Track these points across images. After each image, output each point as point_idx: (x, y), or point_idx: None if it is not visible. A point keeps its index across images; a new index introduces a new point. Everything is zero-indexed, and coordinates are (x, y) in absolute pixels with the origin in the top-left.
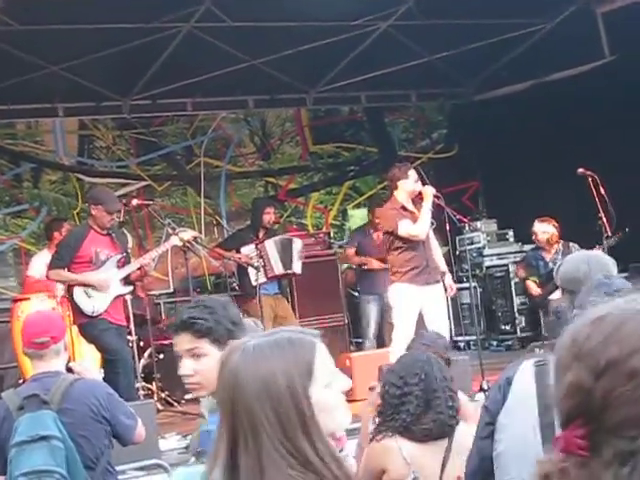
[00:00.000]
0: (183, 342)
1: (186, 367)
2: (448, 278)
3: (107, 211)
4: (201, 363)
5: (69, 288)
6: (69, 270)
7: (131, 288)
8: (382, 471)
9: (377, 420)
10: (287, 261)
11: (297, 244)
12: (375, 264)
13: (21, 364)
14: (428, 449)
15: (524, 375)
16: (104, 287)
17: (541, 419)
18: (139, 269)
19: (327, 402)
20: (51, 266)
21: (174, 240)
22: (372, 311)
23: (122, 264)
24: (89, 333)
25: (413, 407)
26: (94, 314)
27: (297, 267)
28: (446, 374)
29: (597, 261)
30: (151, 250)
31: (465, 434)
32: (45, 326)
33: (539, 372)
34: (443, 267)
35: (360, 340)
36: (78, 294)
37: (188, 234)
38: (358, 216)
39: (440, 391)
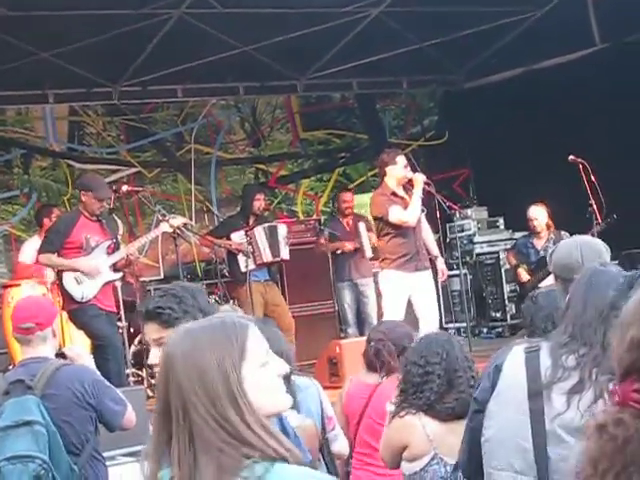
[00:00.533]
0: (151, 331)
1: (154, 356)
2: (440, 262)
3: (97, 198)
4: None
5: (59, 274)
6: (59, 256)
7: (121, 274)
8: (404, 446)
9: (397, 399)
10: (275, 248)
11: (282, 230)
12: (347, 245)
13: (11, 350)
14: (450, 427)
15: (514, 361)
16: (94, 273)
17: (531, 405)
18: (125, 257)
19: (263, 382)
20: (41, 251)
21: (164, 227)
22: (347, 297)
23: (112, 250)
24: (79, 319)
25: (436, 386)
26: (84, 300)
27: (285, 253)
28: (467, 354)
29: (590, 247)
30: (141, 236)
31: None
32: (32, 312)
33: (530, 358)
34: (435, 251)
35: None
36: (68, 280)
37: (178, 220)
38: None
39: (461, 371)
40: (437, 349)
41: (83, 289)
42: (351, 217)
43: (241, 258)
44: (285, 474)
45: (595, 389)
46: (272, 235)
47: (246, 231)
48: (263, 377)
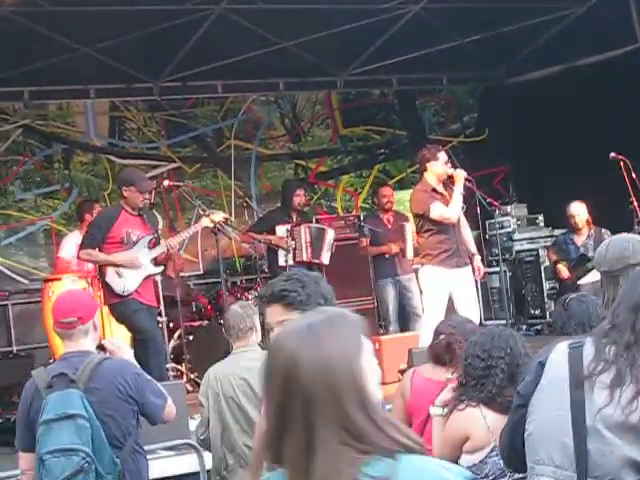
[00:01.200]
0: (274, 313)
1: None
2: (477, 260)
3: (139, 191)
4: None
5: (101, 268)
6: (100, 250)
7: (161, 269)
8: (466, 438)
9: (457, 391)
10: (317, 250)
11: (330, 235)
12: (394, 248)
13: (52, 344)
14: None
15: (557, 357)
16: (135, 264)
17: (572, 398)
18: (167, 251)
19: (373, 371)
20: (82, 246)
21: (204, 222)
22: (390, 293)
23: (153, 245)
24: (120, 313)
25: (499, 379)
26: (125, 294)
27: (325, 258)
28: (528, 350)
29: (637, 241)
30: (182, 231)
31: None
32: (73, 306)
33: (572, 353)
34: (473, 249)
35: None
36: (110, 274)
37: (219, 216)
38: None
39: (523, 366)
40: (501, 344)
41: (124, 283)
42: (391, 213)
43: (281, 254)
44: (418, 465)
45: (635, 383)
46: (317, 237)
47: (292, 226)
48: (373, 366)
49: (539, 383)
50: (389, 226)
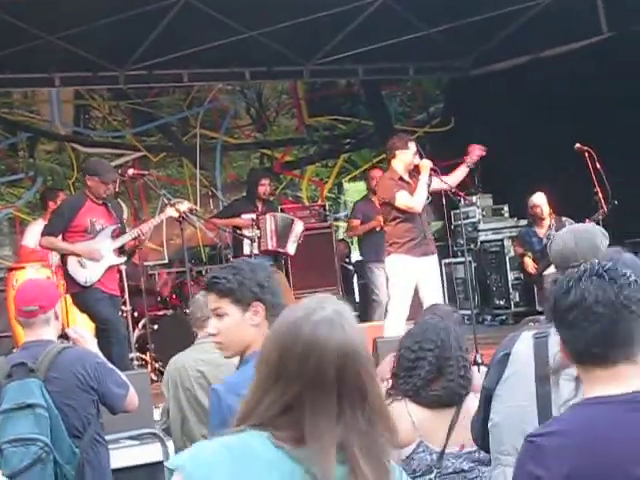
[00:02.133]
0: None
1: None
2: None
3: (103, 181)
4: (223, 322)
5: (63, 257)
6: (64, 239)
7: (124, 259)
8: None
9: (390, 383)
10: (283, 239)
11: (298, 227)
12: (382, 221)
13: (15, 333)
14: (436, 415)
15: (523, 347)
16: (96, 257)
17: (538, 390)
18: (134, 239)
19: None
20: (44, 233)
21: (170, 211)
22: (379, 277)
23: (117, 234)
24: (82, 302)
25: (424, 372)
26: (87, 284)
27: (291, 248)
28: (462, 344)
29: (583, 236)
30: (147, 221)
31: (474, 404)
32: (34, 295)
33: (538, 344)
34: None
35: (356, 313)
36: (72, 263)
37: (184, 205)
38: (354, 189)
39: (454, 359)
40: (432, 336)
41: (87, 273)
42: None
43: (246, 242)
44: None
45: None
46: (284, 227)
47: (257, 215)
48: None
49: (503, 373)
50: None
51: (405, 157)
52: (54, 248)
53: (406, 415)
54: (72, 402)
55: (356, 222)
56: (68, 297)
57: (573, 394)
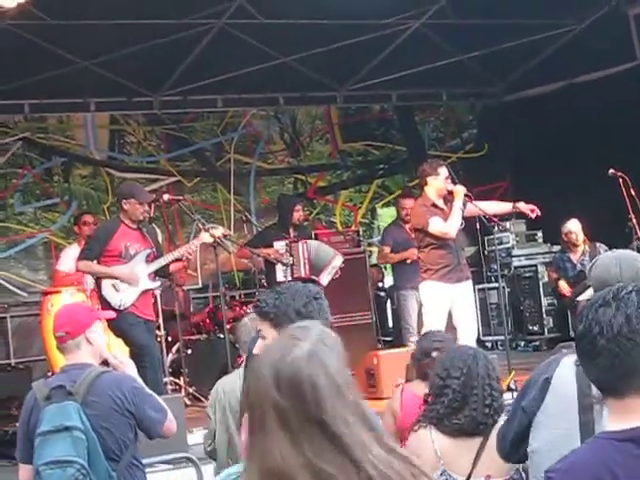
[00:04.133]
0: (255, 321)
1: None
2: (520, 205)
3: (139, 202)
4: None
5: (98, 281)
6: (99, 263)
7: (159, 284)
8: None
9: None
10: (317, 269)
11: (337, 260)
12: (416, 253)
13: (50, 357)
14: (461, 445)
15: (564, 374)
16: (133, 280)
17: (581, 418)
18: (179, 260)
19: None
20: (80, 257)
21: (204, 237)
22: (412, 305)
23: (151, 259)
24: (117, 327)
25: (448, 400)
26: (121, 307)
27: (325, 280)
28: (492, 372)
29: (628, 262)
30: (181, 246)
31: None
32: (63, 321)
33: (580, 372)
34: (507, 205)
35: (389, 338)
36: (106, 287)
37: (218, 231)
38: (387, 214)
39: (479, 388)
40: (459, 363)
41: (121, 296)
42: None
43: (279, 268)
44: None
45: None
46: (322, 257)
47: (290, 242)
48: None
49: (544, 400)
50: (412, 235)
51: (436, 183)
52: (92, 272)
53: (429, 443)
54: (109, 425)
55: (387, 249)
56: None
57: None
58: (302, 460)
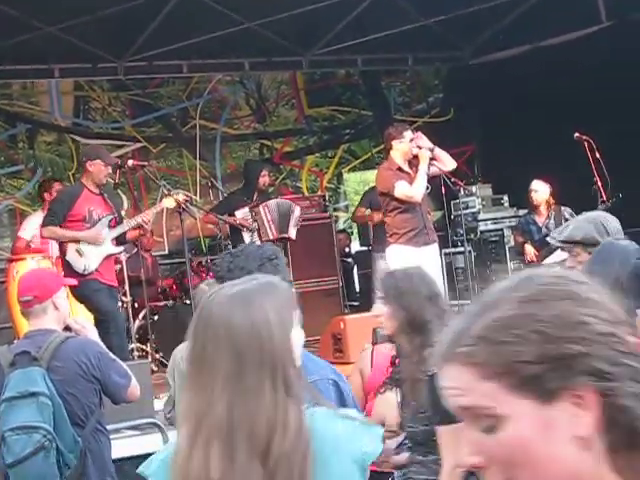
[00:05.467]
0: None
1: None
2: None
3: (105, 164)
4: None
5: (62, 246)
6: (62, 228)
7: (122, 249)
8: (382, 422)
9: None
10: (283, 225)
11: (296, 211)
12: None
13: (16, 324)
14: None
15: None
16: (98, 240)
17: None
18: (137, 228)
19: (298, 340)
20: (45, 223)
21: (167, 202)
22: (381, 268)
23: (114, 224)
24: (81, 293)
25: None
26: (86, 272)
27: (292, 232)
28: None
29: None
30: (145, 211)
31: None
32: (30, 285)
33: None
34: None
35: (356, 303)
36: (70, 252)
37: (180, 195)
38: (353, 179)
39: None
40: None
41: (85, 262)
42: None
43: (245, 234)
44: (320, 415)
45: None
46: (283, 212)
47: (251, 207)
48: (300, 336)
49: None
50: None
51: (402, 146)
52: (56, 237)
53: (395, 405)
54: (75, 391)
55: (362, 210)
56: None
57: None
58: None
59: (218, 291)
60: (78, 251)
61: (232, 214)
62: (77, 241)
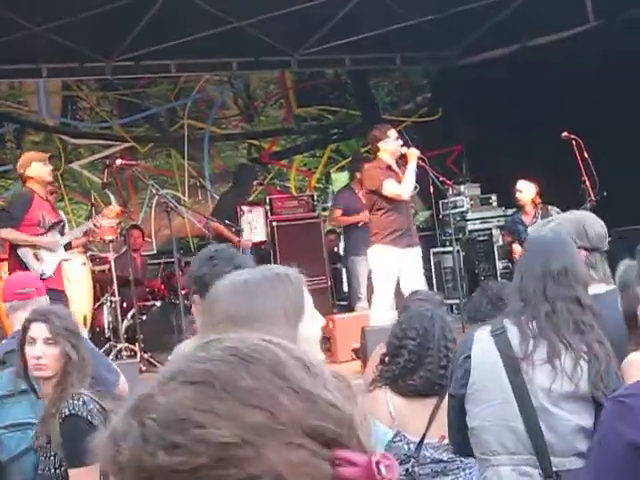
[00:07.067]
0: None
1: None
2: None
3: (43, 162)
4: None
5: (17, 250)
6: (18, 231)
7: (70, 256)
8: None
9: (378, 370)
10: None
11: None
12: (367, 218)
13: (4, 324)
14: (415, 405)
15: (482, 346)
16: (54, 247)
17: (511, 382)
18: (85, 235)
19: (311, 333)
20: (3, 225)
21: (108, 212)
22: (362, 271)
23: (62, 230)
24: None
25: (404, 360)
26: (43, 277)
27: (255, 237)
28: (448, 334)
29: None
30: (92, 218)
31: None
32: (30, 280)
33: (498, 340)
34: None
35: (344, 303)
36: (28, 256)
37: (112, 212)
38: (341, 179)
39: (435, 349)
40: (416, 324)
41: (43, 266)
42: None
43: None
44: None
45: (570, 349)
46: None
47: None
48: (312, 328)
49: (470, 377)
50: (364, 201)
51: (388, 146)
52: (16, 239)
53: (384, 403)
54: None
55: (338, 212)
56: None
57: (552, 376)
58: None
59: (227, 279)
60: (36, 255)
61: (229, 218)
62: (34, 246)
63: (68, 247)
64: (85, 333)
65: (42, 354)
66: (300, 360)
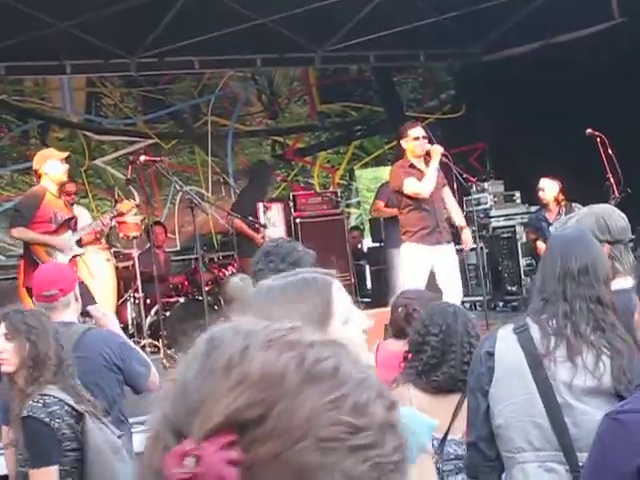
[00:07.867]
0: None
1: None
2: (466, 233)
3: (59, 160)
4: None
5: (32, 248)
6: (30, 229)
7: (84, 250)
8: None
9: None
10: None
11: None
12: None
13: None
14: (439, 402)
15: (505, 345)
16: (66, 247)
17: (535, 378)
18: (94, 232)
19: (345, 338)
20: (15, 224)
21: (122, 207)
22: (398, 264)
23: (75, 227)
24: None
25: (426, 357)
26: None
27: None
28: (471, 330)
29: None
30: (102, 216)
31: None
32: (54, 279)
33: (521, 337)
34: (462, 222)
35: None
36: (42, 254)
37: (126, 206)
38: (365, 176)
39: (458, 345)
40: (438, 320)
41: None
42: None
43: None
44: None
45: (591, 347)
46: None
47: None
48: (346, 334)
49: (493, 375)
50: None
51: (407, 145)
52: (27, 238)
53: (407, 400)
54: (99, 381)
55: (380, 204)
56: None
57: (573, 372)
58: None
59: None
60: (48, 253)
61: (254, 213)
62: (46, 244)
63: (79, 243)
64: (116, 323)
65: (3, 349)
66: None
